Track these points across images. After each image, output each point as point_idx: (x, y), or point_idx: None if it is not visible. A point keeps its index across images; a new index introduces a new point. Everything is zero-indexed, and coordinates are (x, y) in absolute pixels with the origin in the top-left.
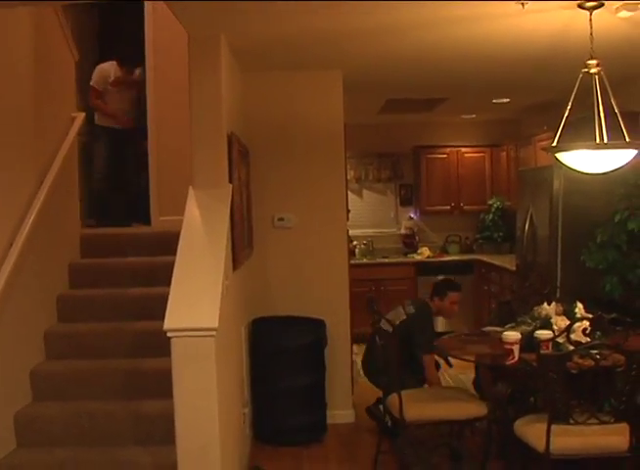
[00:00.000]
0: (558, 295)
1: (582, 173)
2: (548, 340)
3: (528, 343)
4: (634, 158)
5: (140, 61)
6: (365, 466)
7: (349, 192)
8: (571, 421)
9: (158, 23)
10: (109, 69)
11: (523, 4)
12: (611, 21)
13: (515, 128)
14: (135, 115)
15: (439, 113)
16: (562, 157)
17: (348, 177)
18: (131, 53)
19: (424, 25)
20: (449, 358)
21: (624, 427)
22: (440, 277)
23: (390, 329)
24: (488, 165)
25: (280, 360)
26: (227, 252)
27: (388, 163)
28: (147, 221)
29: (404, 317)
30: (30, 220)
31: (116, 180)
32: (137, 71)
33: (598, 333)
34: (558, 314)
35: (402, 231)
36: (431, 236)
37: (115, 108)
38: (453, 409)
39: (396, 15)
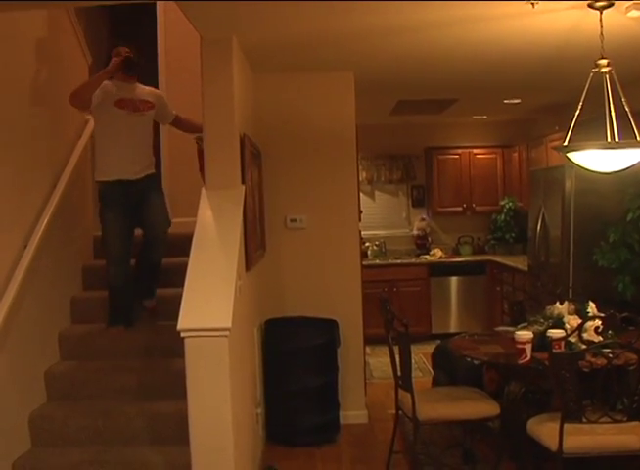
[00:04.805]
0: (570, 295)
1: (594, 173)
2: (560, 339)
3: (541, 342)
4: None
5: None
6: (378, 466)
7: (361, 193)
8: (584, 420)
9: (170, 26)
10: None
11: (533, 4)
12: (621, 20)
13: (526, 129)
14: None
15: (451, 113)
16: (573, 156)
17: (360, 178)
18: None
19: (434, 26)
20: None
21: (637, 426)
22: (454, 278)
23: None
24: (500, 166)
25: (293, 361)
26: (240, 252)
27: (399, 164)
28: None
29: None
30: (44, 222)
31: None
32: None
33: (610, 332)
34: (570, 314)
35: (414, 232)
36: (443, 237)
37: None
38: (466, 409)
39: (407, 16)
